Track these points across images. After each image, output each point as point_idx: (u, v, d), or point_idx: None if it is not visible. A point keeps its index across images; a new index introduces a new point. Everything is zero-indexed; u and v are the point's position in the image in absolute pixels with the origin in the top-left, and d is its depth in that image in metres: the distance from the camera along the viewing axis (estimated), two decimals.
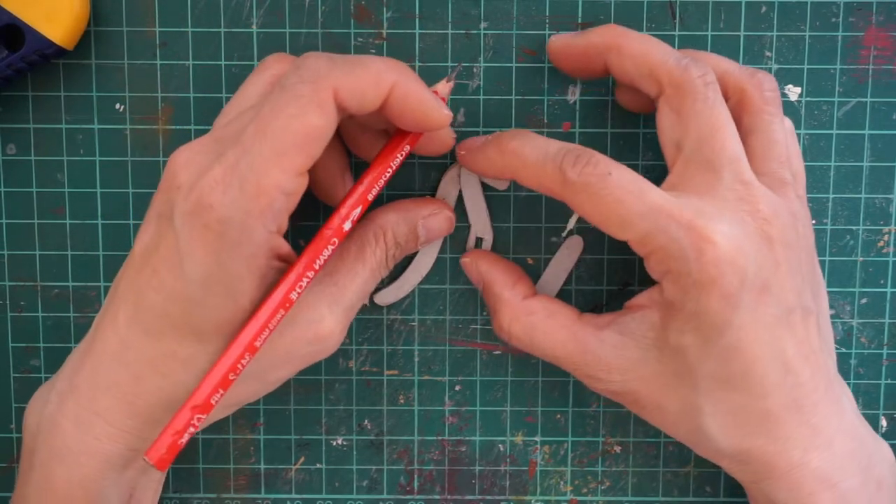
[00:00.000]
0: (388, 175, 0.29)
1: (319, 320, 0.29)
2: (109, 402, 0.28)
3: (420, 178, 0.34)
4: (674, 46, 0.33)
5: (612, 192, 0.27)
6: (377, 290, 0.34)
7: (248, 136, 0.26)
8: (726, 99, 0.29)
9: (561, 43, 0.31)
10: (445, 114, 0.28)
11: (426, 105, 0.27)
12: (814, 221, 0.34)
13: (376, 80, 0.26)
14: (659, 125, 0.29)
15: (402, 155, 0.29)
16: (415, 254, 0.34)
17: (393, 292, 0.34)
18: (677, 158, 0.28)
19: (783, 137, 0.29)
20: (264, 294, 0.27)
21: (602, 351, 0.29)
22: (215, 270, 0.26)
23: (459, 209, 0.34)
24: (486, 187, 0.34)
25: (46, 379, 0.35)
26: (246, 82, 0.30)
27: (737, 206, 0.27)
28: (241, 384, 0.28)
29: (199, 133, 0.33)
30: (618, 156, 0.34)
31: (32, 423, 0.30)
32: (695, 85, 0.28)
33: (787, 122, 0.31)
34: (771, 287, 0.27)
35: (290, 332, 0.28)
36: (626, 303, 0.30)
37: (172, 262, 0.26)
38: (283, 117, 0.25)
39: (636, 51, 0.29)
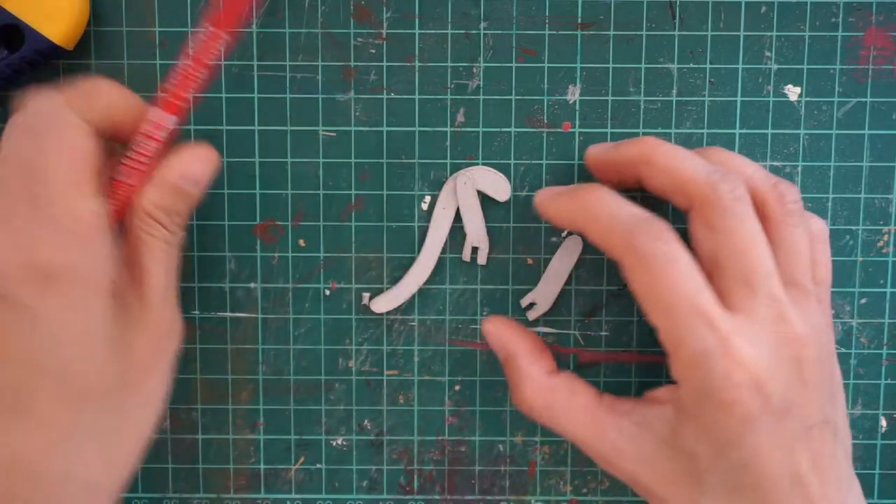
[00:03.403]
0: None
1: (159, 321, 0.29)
2: None
3: (420, 179, 0.34)
4: (674, 47, 0.33)
5: (670, 276, 0.27)
6: (374, 296, 0.34)
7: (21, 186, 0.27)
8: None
9: (596, 154, 0.31)
10: (141, 106, 0.29)
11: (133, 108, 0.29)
12: None
13: (97, 92, 0.29)
14: (693, 237, 0.29)
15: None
16: (412, 261, 0.34)
17: (389, 300, 0.34)
18: (714, 272, 0.28)
19: (806, 247, 0.29)
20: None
21: (619, 439, 0.29)
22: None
23: (456, 219, 0.34)
24: (484, 199, 0.34)
25: None
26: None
27: (773, 328, 0.27)
28: (137, 426, 0.29)
29: (200, 133, 0.33)
30: None
31: None
32: (725, 201, 0.28)
33: (818, 225, 0.30)
34: (794, 408, 0.27)
35: (141, 342, 0.29)
36: (647, 392, 0.30)
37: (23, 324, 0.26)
38: (42, 152, 0.27)
39: (666, 166, 0.29)
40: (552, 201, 0.30)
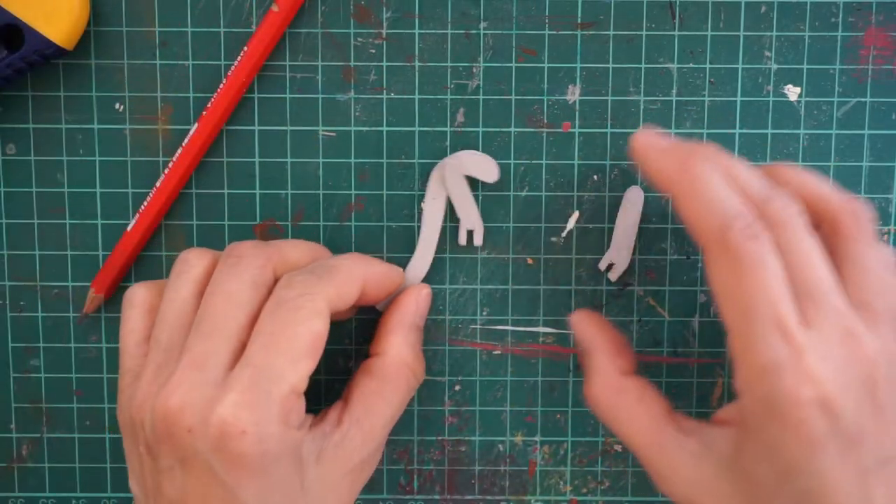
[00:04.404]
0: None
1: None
2: None
3: (420, 179, 0.34)
4: (674, 47, 0.33)
5: (756, 279, 0.25)
6: None
7: (255, 354, 0.27)
8: (818, 226, 0.28)
9: (644, 147, 0.29)
10: (400, 274, 0.32)
11: (389, 280, 0.31)
12: None
13: (352, 279, 0.29)
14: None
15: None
16: (409, 258, 0.34)
17: (388, 299, 0.34)
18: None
19: (880, 267, 0.27)
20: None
21: (679, 456, 0.28)
22: (268, 484, 0.26)
23: (451, 218, 0.34)
24: (473, 183, 0.34)
25: (46, 379, 0.35)
26: (172, 284, 0.29)
27: (843, 343, 0.25)
28: None
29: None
30: (617, 156, 0.34)
31: None
32: (779, 218, 0.26)
33: (886, 252, 0.28)
34: (866, 435, 0.25)
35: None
36: (715, 414, 0.29)
37: (223, 499, 0.26)
38: (290, 329, 0.27)
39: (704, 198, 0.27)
40: (656, 157, 0.28)
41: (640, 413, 0.29)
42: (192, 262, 0.29)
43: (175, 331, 0.28)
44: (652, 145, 0.29)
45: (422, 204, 0.34)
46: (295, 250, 0.30)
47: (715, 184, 0.27)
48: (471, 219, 0.34)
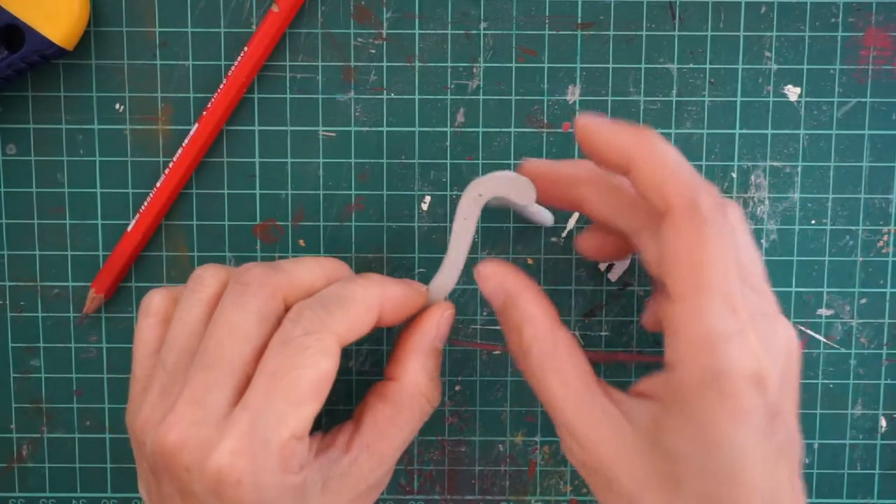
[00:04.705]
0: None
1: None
2: None
3: (420, 179, 0.34)
4: (674, 47, 0.33)
5: (718, 247, 0.25)
6: None
7: (256, 397, 0.25)
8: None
9: (592, 121, 0.27)
10: (423, 293, 0.30)
11: (409, 302, 0.29)
12: (813, 221, 0.34)
13: (367, 308, 0.28)
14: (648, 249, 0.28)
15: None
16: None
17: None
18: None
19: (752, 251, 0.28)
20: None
21: (603, 421, 0.27)
22: None
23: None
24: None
25: (47, 379, 0.35)
26: (184, 303, 0.28)
27: (769, 325, 0.26)
28: None
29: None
30: None
31: None
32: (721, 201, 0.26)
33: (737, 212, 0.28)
34: (781, 414, 0.25)
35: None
36: (634, 385, 0.28)
37: None
38: (293, 371, 0.25)
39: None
40: (609, 132, 0.27)
41: (571, 369, 0.28)
42: (207, 282, 0.28)
43: (181, 355, 0.27)
44: (601, 123, 0.27)
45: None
46: (308, 274, 0.28)
47: (677, 154, 0.26)
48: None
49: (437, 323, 0.30)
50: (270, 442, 0.25)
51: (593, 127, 0.27)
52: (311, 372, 0.26)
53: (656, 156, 0.26)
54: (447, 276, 0.31)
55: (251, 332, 0.26)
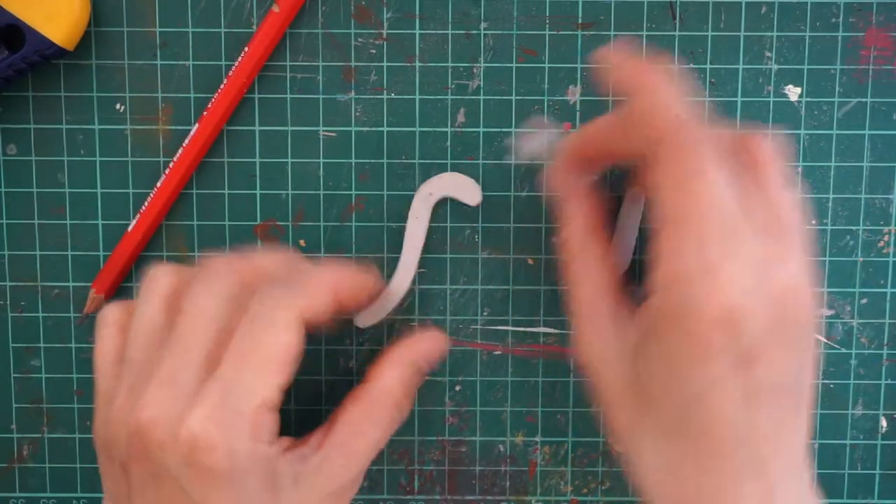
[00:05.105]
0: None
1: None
2: None
3: (420, 179, 0.34)
4: (674, 47, 0.33)
5: (705, 184, 0.25)
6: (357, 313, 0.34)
7: (226, 370, 0.26)
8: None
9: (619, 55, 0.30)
10: (375, 279, 0.32)
11: (362, 283, 0.31)
12: (814, 221, 0.34)
13: (324, 288, 0.29)
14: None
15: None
16: (391, 273, 0.34)
17: (372, 315, 0.33)
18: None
19: (789, 192, 0.28)
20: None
21: (600, 329, 0.28)
22: (237, 500, 0.26)
23: (441, 218, 0.34)
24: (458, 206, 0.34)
25: (47, 379, 0.35)
26: (141, 302, 0.29)
27: (758, 268, 0.25)
28: None
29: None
30: None
31: None
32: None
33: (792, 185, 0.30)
34: (762, 359, 0.25)
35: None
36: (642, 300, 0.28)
37: None
38: (261, 345, 0.27)
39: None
40: (617, 64, 0.29)
41: (588, 276, 0.29)
42: (158, 278, 0.29)
43: (146, 349, 0.28)
44: (618, 57, 0.29)
45: (406, 224, 0.33)
46: (269, 261, 0.30)
47: (673, 90, 0.27)
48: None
49: (429, 344, 0.32)
50: (242, 409, 0.26)
51: (613, 60, 0.30)
52: (278, 344, 0.27)
53: (652, 90, 0.27)
54: (403, 273, 0.33)
55: (220, 314, 0.28)
